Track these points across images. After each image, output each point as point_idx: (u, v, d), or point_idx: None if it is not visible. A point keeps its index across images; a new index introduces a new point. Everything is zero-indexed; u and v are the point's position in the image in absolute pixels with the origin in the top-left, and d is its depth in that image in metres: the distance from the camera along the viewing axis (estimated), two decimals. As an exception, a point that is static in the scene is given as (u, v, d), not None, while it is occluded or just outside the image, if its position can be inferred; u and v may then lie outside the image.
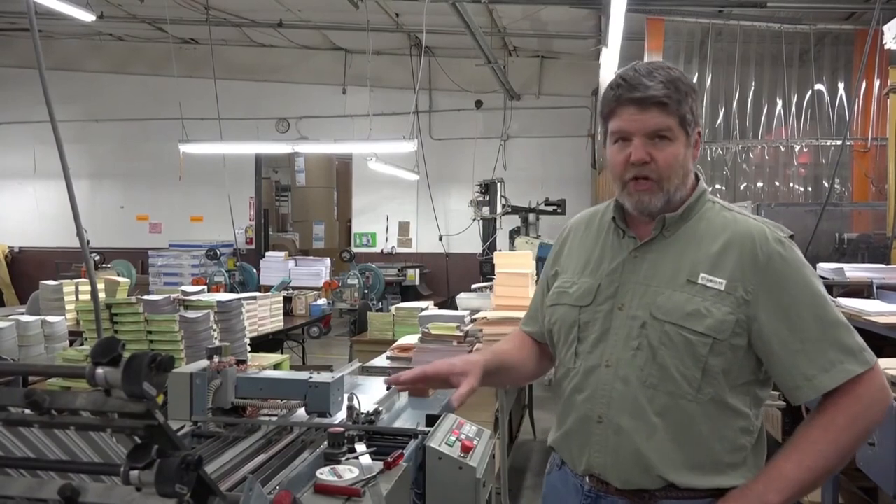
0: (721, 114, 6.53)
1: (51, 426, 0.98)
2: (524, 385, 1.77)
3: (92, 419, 0.96)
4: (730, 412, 1.37)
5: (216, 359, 2.08)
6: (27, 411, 0.99)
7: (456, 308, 4.70)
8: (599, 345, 1.43)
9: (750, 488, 1.33)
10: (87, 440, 1.03)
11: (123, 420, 0.94)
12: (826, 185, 5.99)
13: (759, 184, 6.44)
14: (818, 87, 6.41)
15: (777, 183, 6.48)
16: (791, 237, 1.41)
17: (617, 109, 1.38)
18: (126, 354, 0.95)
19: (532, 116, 10.23)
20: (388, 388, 1.79)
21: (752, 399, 1.39)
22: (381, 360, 3.68)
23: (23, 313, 4.70)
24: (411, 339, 3.91)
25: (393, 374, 1.57)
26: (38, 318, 4.27)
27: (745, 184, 6.42)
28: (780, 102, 6.45)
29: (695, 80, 6.26)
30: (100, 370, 0.90)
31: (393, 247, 10.78)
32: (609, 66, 6.20)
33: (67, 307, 4.96)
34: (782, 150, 6.45)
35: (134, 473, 0.95)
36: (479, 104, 10.45)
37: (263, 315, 5.16)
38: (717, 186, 6.37)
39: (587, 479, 1.44)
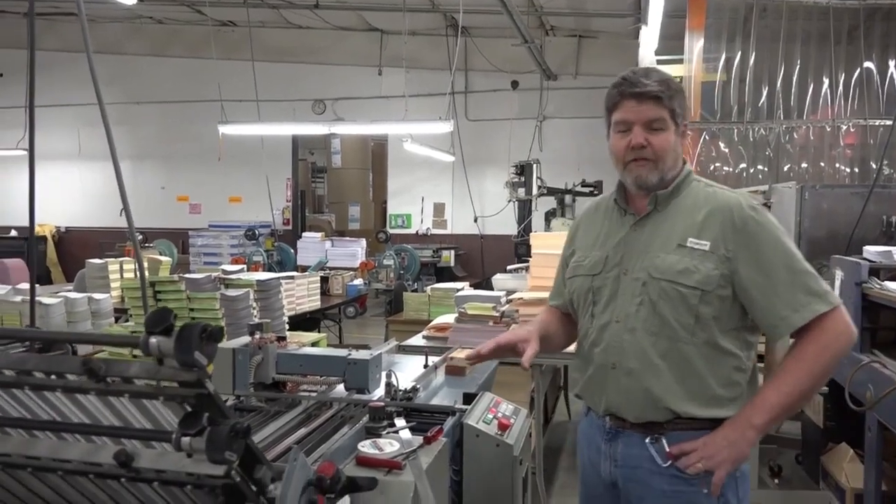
0: (764, 93, 6.36)
1: (106, 393, 1.02)
2: (561, 350, 1.96)
3: (145, 387, 0.99)
4: (722, 353, 1.63)
5: (257, 335, 2.12)
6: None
7: (491, 289, 4.70)
8: (610, 305, 1.71)
9: (739, 415, 1.61)
10: (140, 408, 1.06)
11: (175, 388, 0.97)
12: (874, 166, 5.80)
13: (804, 165, 6.27)
14: (867, 64, 6.19)
15: (822, 164, 6.30)
16: (764, 205, 1.71)
17: (619, 103, 1.68)
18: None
19: (569, 97, 10.09)
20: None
21: (742, 342, 1.66)
22: (417, 340, 3.71)
23: (70, 291, 4.84)
24: (447, 318, 3.93)
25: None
26: (84, 295, 4.40)
27: (788, 165, 6.26)
28: (826, 81, 6.24)
29: (737, 59, 6.16)
30: (153, 339, 0.93)
31: (428, 228, 10.79)
32: (649, 45, 6.08)
33: (112, 285, 5.09)
34: (828, 130, 6.26)
35: (185, 440, 0.98)
36: (515, 85, 10.34)
37: (301, 294, 5.23)
38: (760, 167, 6.22)
39: (607, 419, 1.72)
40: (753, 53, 6.33)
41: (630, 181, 1.71)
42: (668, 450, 1.62)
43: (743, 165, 6.11)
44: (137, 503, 1.19)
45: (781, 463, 3.77)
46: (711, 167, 6.17)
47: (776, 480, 3.70)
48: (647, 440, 1.65)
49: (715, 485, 1.58)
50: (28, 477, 1.17)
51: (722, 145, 6.18)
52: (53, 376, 1.03)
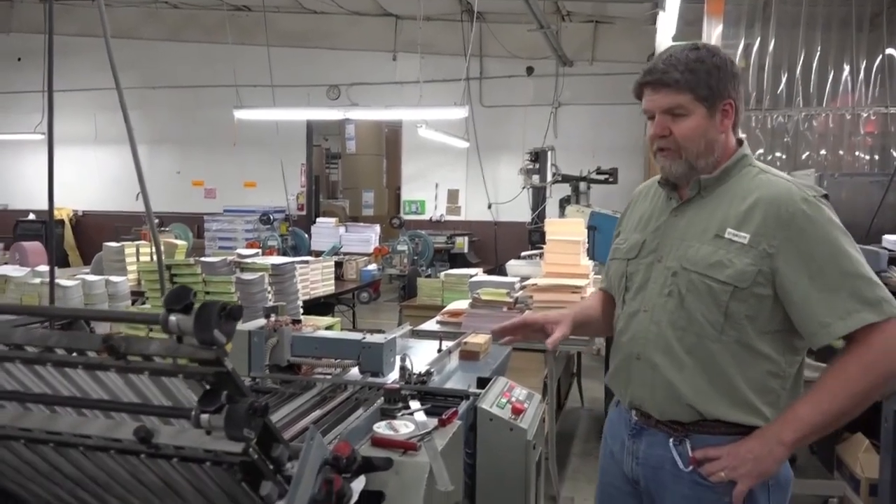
0: (783, 80, 6.27)
1: (126, 371, 1.03)
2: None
3: (165, 365, 1.00)
4: (756, 355, 1.51)
5: (273, 318, 2.13)
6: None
7: (504, 276, 4.69)
8: (640, 293, 1.63)
9: (769, 428, 1.49)
10: (158, 385, 1.07)
11: (194, 366, 0.98)
12: (895, 154, 5.72)
13: (822, 152, 6.19)
14: (889, 51, 6.09)
15: (841, 152, 6.21)
16: (824, 196, 1.53)
17: (641, 93, 1.60)
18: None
19: (584, 83, 10.01)
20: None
21: (784, 346, 1.52)
22: (430, 325, 3.72)
23: (87, 273, 4.89)
24: (461, 304, 3.94)
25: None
26: (102, 277, 4.45)
27: (807, 153, 6.18)
28: (847, 68, 6.15)
29: (757, 45, 6.08)
30: (173, 317, 0.93)
31: (442, 214, 10.79)
32: (666, 31, 6.00)
33: (129, 268, 5.14)
34: (848, 117, 6.17)
35: (204, 417, 0.99)
36: (530, 71, 10.27)
37: (315, 279, 5.26)
38: (777, 154, 6.15)
39: (633, 413, 1.65)
40: (773, 39, 6.24)
41: (660, 171, 1.64)
42: (691, 454, 1.54)
43: (760, 152, 6.05)
44: (157, 480, 1.20)
45: (795, 452, 3.74)
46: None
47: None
48: (672, 441, 1.57)
49: (735, 497, 1.48)
50: (50, 452, 1.19)
51: (739, 132, 6.12)
52: (74, 353, 1.04)
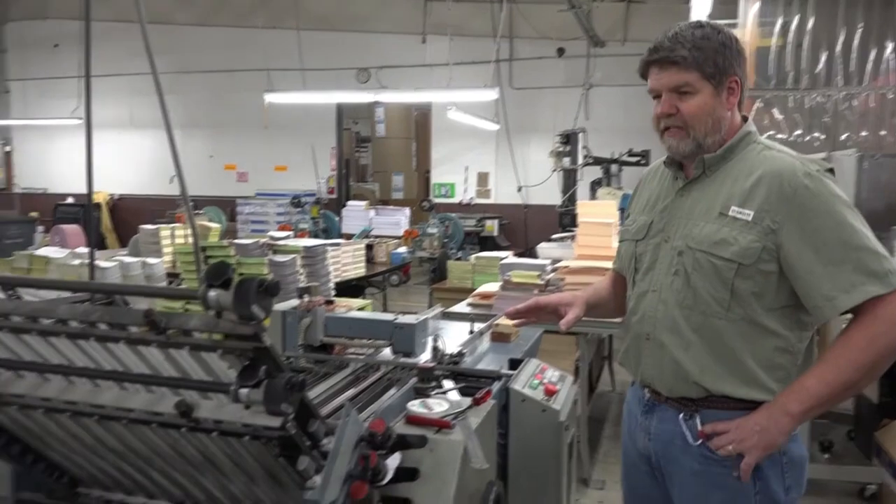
0: (823, 59, 6.10)
1: (167, 346, 1.05)
2: (618, 317, 1.90)
3: (205, 340, 1.02)
4: (763, 332, 1.52)
5: (306, 298, 2.15)
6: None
7: (535, 259, 4.67)
8: (649, 273, 1.65)
9: (776, 400, 1.50)
10: (197, 360, 1.09)
11: (233, 341, 0.99)
12: (939, 134, 5.55)
13: (863, 133, 6.02)
14: (935, 28, 5.89)
15: (883, 132, 6.04)
16: (829, 171, 1.52)
17: (647, 71, 1.61)
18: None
19: (616, 64, 9.84)
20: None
21: (792, 322, 1.53)
22: (461, 307, 3.73)
23: (124, 255, 4.99)
24: (492, 286, 3.93)
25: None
26: (138, 259, 4.53)
27: (846, 133, 6.02)
28: (889, 46, 5.96)
29: (795, 23, 5.92)
30: (212, 292, 0.94)
31: (472, 197, 10.75)
32: (700, 10, 5.87)
33: (164, 250, 5.22)
34: (890, 97, 5.99)
35: (243, 392, 1.01)
36: (560, 52, 10.14)
37: (347, 261, 5.29)
38: (816, 135, 6.00)
39: (646, 390, 1.68)
40: (812, 17, 6.07)
41: (666, 151, 1.64)
42: (700, 428, 1.55)
43: (798, 133, 5.90)
44: (196, 453, 1.23)
45: (833, 438, 3.69)
46: (764, 136, 5.98)
47: (826, 455, 3.63)
48: (681, 416, 1.58)
49: (743, 471, 1.49)
50: (94, 425, 1.22)
51: (776, 112, 5.98)
52: (117, 328, 1.06)
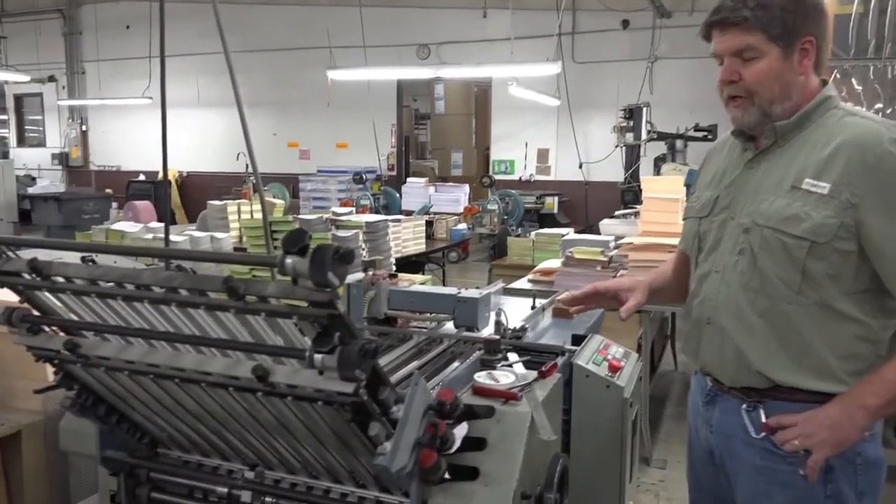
0: (910, 26, 5.76)
1: (245, 312, 1.08)
2: (682, 302, 1.82)
3: (281, 307, 1.05)
4: (841, 318, 1.38)
5: (370, 271, 2.18)
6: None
7: (597, 235, 4.60)
8: (712, 253, 1.53)
9: (850, 392, 1.37)
10: (273, 325, 1.12)
11: (308, 308, 1.02)
12: None
13: (954, 105, 5.68)
14: None
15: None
16: None
17: (709, 34, 1.49)
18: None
19: (683, 35, 9.51)
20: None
21: (875, 308, 1.39)
22: (522, 283, 3.71)
23: (193, 230, 5.15)
24: (553, 263, 3.90)
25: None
26: (207, 234, 4.68)
27: (934, 105, 5.70)
28: (983, 10, 5.58)
29: (879, -13, 5.59)
30: (289, 259, 0.96)
31: (531, 174, 10.65)
32: (776, -24, 5.63)
33: (231, 225, 5.37)
34: (982, 66, 5.62)
35: (318, 357, 1.03)
36: (625, 24, 9.87)
37: (407, 237, 5.33)
38: (899, 108, 5.69)
39: (707, 379, 1.57)
40: (899, -19, 5.72)
41: (732, 121, 1.50)
42: (763, 420, 1.43)
43: (879, 106, 5.61)
44: (270, 417, 1.27)
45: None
46: (842, 108, 5.71)
47: (902, 441, 3.49)
48: (744, 407, 1.46)
49: (810, 468, 1.36)
50: (174, 387, 1.27)
51: (855, 83, 5.69)
52: (196, 294, 1.10)
